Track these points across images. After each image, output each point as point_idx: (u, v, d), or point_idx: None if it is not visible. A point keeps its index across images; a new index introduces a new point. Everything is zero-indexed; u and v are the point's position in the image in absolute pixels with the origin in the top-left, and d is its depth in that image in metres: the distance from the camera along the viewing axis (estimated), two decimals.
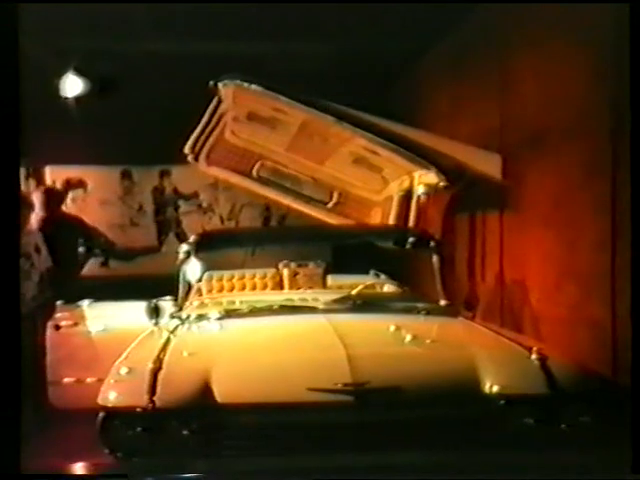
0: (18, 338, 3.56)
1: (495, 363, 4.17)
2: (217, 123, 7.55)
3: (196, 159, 7.86)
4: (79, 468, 4.05)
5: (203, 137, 7.72)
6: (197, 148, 7.80)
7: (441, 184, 6.40)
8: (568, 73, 5.66)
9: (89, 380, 6.13)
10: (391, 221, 7.12)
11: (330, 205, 7.93)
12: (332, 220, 7.91)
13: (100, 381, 5.21)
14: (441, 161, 6.39)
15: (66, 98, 8.74)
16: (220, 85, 6.59)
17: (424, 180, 6.67)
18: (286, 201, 8.21)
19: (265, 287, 7.14)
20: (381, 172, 7.36)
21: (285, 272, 7.10)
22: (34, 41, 7.61)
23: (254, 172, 7.99)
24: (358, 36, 8.08)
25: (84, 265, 7.60)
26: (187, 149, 7.82)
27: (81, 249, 7.38)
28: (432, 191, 6.60)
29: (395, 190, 7.26)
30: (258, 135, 7.69)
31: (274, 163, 7.93)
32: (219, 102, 7.17)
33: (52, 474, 3.94)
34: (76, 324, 6.56)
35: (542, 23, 6.03)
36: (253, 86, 6.37)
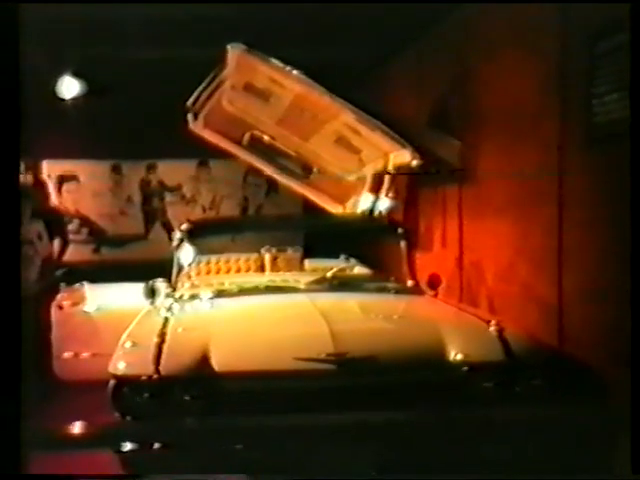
0: (19, 346, 3.43)
1: (458, 334, 4.31)
2: (217, 88, 7.32)
3: (195, 117, 7.57)
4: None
5: (204, 97, 7.44)
6: (198, 106, 7.52)
7: (414, 162, 6.36)
8: (520, 76, 5.75)
9: (85, 355, 6.25)
10: (363, 200, 7.06)
11: (310, 179, 7.81)
12: (310, 194, 7.83)
13: (96, 355, 5.35)
14: (415, 140, 6.40)
15: (62, 99, 8.77)
16: (228, 48, 6.45)
17: (398, 161, 6.62)
18: (270, 171, 8.04)
19: (248, 270, 7.19)
20: (359, 153, 7.29)
21: (267, 256, 7.15)
22: (33, 45, 7.61)
23: (244, 141, 7.77)
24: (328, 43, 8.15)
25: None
26: (189, 103, 7.53)
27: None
28: (404, 171, 6.60)
29: (369, 172, 7.20)
30: (252, 106, 7.50)
31: (263, 134, 7.74)
32: (224, 66, 6.96)
33: (52, 474, 3.90)
34: (76, 304, 6.61)
35: (495, 32, 6.18)
36: (257, 53, 6.32)
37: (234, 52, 6.42)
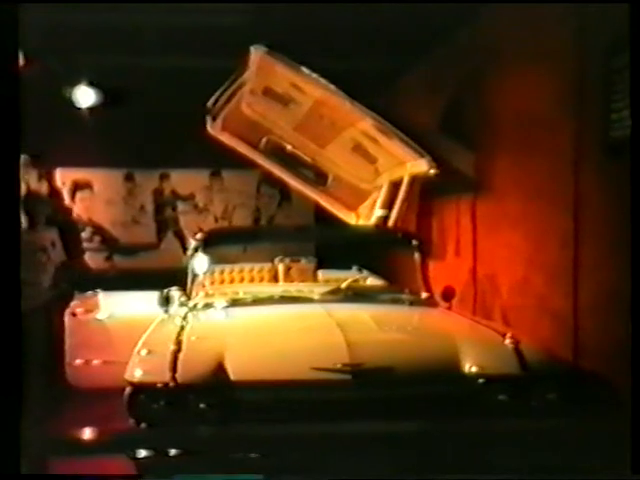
0: (19, 346, 3.46)
1: (474, 347, 4.33)
2: (237, 90, 7.30)
3: (214, 119, 7.55)
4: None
5: (223, 99, 7.40)
6: (217, 109, 7.49)
7: (432, 171, 6.40)
8: (535, 88, 5.78)
9: (98, 362, 6.29)
10: (377, 210, 7.11)
11: (326, 187, 7.84)
12: (324, 201, 7.88)
13: (108, 363, 5.38)
14: (432, 149, 6.44)
15: (77, 107, 8.85)
16: (251, 50, 6.43)
17: (414, 170, 6.65)
18: (285, 177, 8.04)
19: (262, 280, 7.23)
20: (375, 163, 7.31)
21: (280, 267, 7.18)
22: (46, 53, 7.68)
23: (261, 145, 7.78)
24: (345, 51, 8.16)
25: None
26: (209, 105, 7.50)
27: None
28: (420, 180, 6.60)
29: (385, 181, 7.24)
30: (270, 111, 7.52)
31: (280, 140, 7.76)
32: (245, 69, 6.92)
33: (53, 474, 3.93)
34: (89, 312, 6.66)
35: (512, 44, 6.20)
36: (279, 56, 6.32)
37: (256, 54, 6.42)
